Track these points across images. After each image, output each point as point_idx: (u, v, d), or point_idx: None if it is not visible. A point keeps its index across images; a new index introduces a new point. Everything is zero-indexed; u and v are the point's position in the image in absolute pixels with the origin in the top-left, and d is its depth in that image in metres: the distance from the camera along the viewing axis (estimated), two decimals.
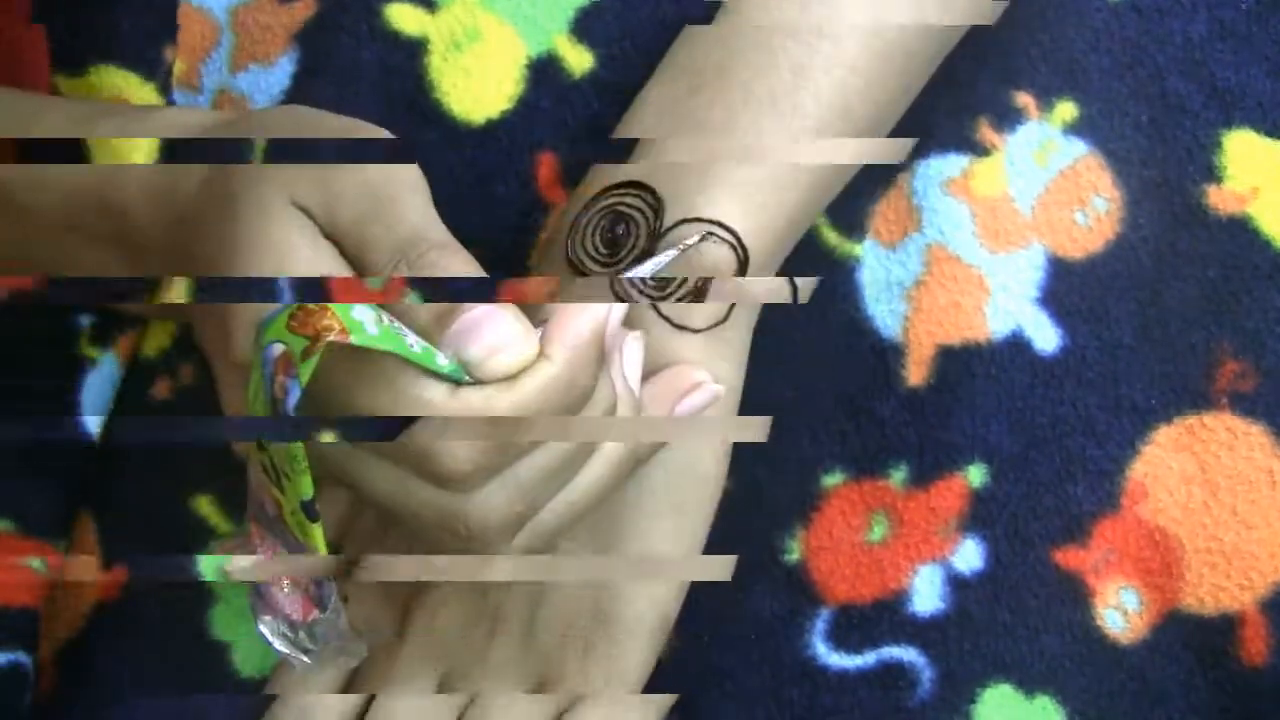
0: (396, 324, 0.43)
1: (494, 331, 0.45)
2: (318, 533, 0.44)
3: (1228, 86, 0.59)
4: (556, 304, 0.48)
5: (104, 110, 0.54)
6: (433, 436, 0.44)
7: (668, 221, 0.53)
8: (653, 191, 0.53)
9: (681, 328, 0.52)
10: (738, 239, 0.52)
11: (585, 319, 0.46)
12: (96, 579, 0.60)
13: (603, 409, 0.47)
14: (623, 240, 0.53)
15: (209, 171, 0.50)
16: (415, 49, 0.60)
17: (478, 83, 0.59)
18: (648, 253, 0.53)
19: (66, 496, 0.59)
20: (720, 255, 0.52)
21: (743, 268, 0.52)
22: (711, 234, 0.52)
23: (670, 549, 0.54)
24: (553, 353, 0.45)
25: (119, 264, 0.53)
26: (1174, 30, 0.60)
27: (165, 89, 0.60)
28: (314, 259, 0.46)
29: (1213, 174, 0.58)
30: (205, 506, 0.59)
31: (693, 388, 0.52)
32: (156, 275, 0.53)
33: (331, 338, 0.41)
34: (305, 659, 0.47)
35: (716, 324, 0.53)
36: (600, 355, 0.47)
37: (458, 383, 0.44)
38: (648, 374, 0.52)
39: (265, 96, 0.60)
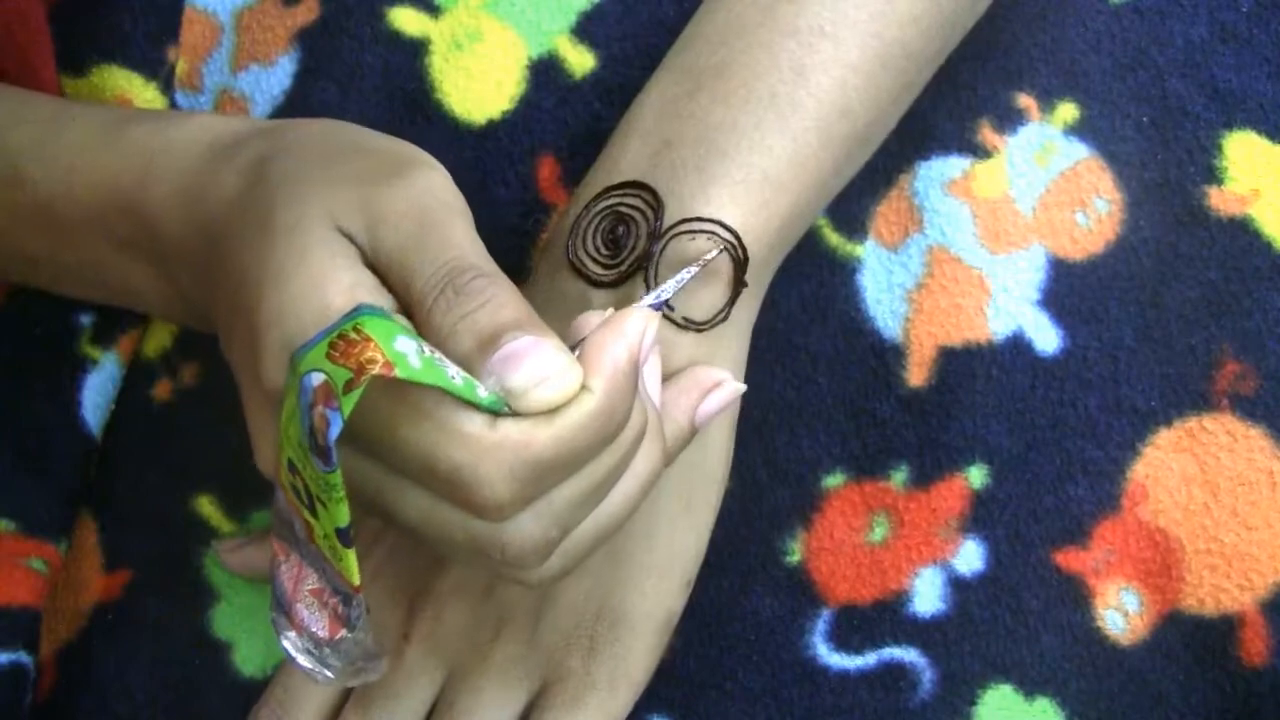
0: (438, 355, 0.43)
1: (538, 362, 0.44)
2: (351, 559, 0.44)
3: (1228, 88, 0.59)
4: (588, 326, 0.48)
5: (135, 116, 0.54)
6: (470, 468, 0.43)
7: (667, 221, 0.53)
8: (653, 192, 0.53)
9: (685, 326, 0.52)
10: (737, 239, 0.52)
11: (622, 347, 0.45)
12: (97, 579, 0.60)
13: (635, 433, 0.47)
14: (623, 241, 0.53)
15: (244, 183, 0.49)
16: (417, 49, 0.60)
17: (479, 83, 0.60)
18: (648, 253, 0.53)
19: (67, 496, 0.59)
20: (719, 255, 0.52)
21: (741, 268, 0.52)
22: (718, 238, 0.52)
23: (678, 547, 0.54)
24: (593, 384, 0.45)
25: (147, 274, 0.53)
26: (1175, 32, 0.60)
27: (168, 89, 0.60)
28: (353, 288, 0.45)
29: (1213, 176, 0.58)
30: (205, 506, 0.59)
31: (714, 386, 0.52)
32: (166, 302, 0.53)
33: (376, 370, 0.41)
34: (329, 674, 0.46)
35: (718, 322, 0.53)
36: (636, 383, 0.46)
37: (497, 414, 0.44)
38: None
39: (266, 97, 0.60)
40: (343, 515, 0.43)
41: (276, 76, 0.60)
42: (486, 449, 0.43)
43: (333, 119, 0.52)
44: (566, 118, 0.59)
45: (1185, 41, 0.60)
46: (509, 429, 0.44)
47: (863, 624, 0.57)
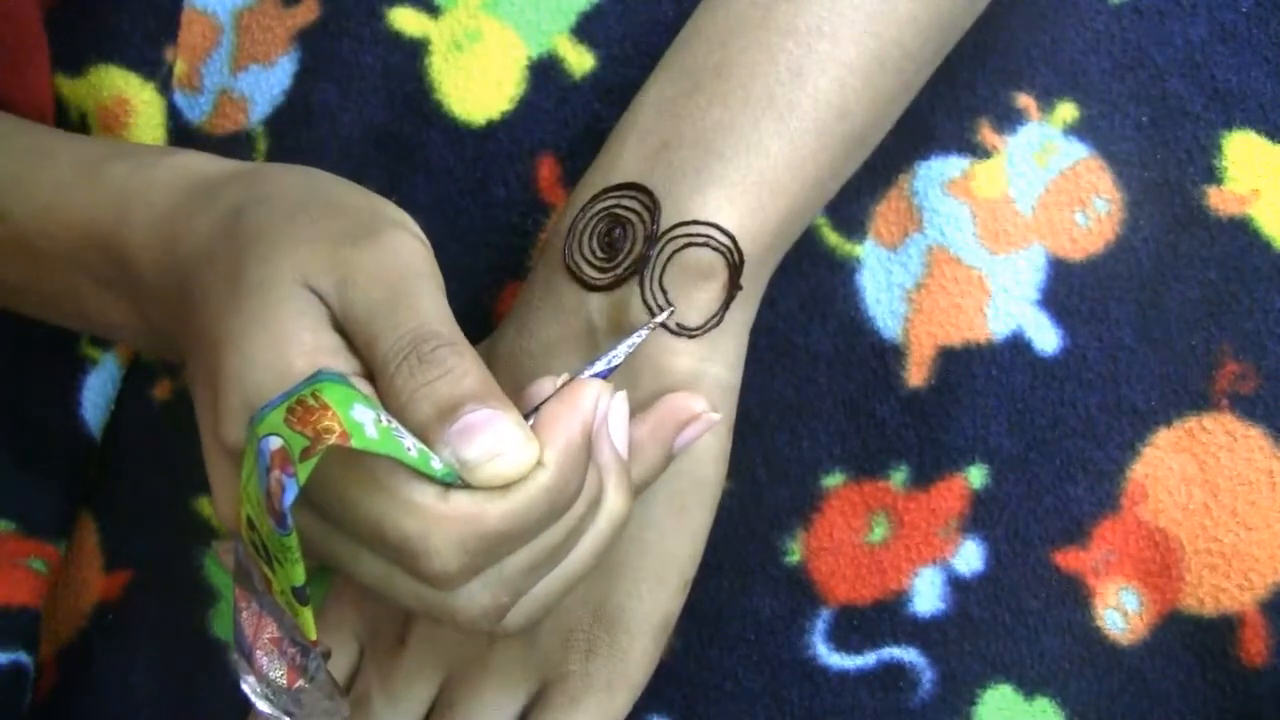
0: (394, 424, 0.43)
1: (495, 436, 0.44)
2: (308, 615, 0.44)
3: (1228, 88, 0.59)
4: (541, 393, 0.48)
5: (113, 152, 0.53)
6: (420, 539, 0.43)
7: (664, 224, 0.53)
8: (649, 194, 0.53)
9: (678, 331, 0.52)
10: (733, 242, 0.52)
11: (575, 420, 0.46)
12: (97, 579, 0.60)
13: (587, 504, 0.47)
14: (619, 244, 0.53)
15: (217, 233, 0.49)
16: (416, 50, 0.60)
17: (479, 83, 0.60)
18: (644, 257, 0.53)
19: (67, 496, 0.59)
20: (715, 258, 0.52)
21: (737, 270, 0.52)
22: (707, 237, 0.52)
23: (674, 551, 0.54)
24: (546, 459, 0.45)
25: (125, 310, 0.53)
26: (1174, 32, 0.60)
27: (165, 89, 0.60)
28: (315, 351, 0.45)
29: (1213, 175, 0.58)
30: (206, 507, 0.59)
31: (690, 419, 0.52)
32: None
33: (332, 440, 0.41)
34: (287, 719, 0.47)
35: (711, 326, 0.53)
36: (588, 456, 0.46)
37: (450, 485, 0.44)
38: (646, 382, 0.52)
39: (266, 97, 0.60)
40: (298, 575, 0.43)
41: (276, 77, 0.60)
42: (437, 520, 0.43)
43: (310, 167, 0.51)
44: (566, 118, 0.59)
45: (1185, 41, 0.60)
46: (461, 501, 0.44)
47: (862, 624, 0.57)
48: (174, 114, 0.61)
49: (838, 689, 0.57)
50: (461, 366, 0.45)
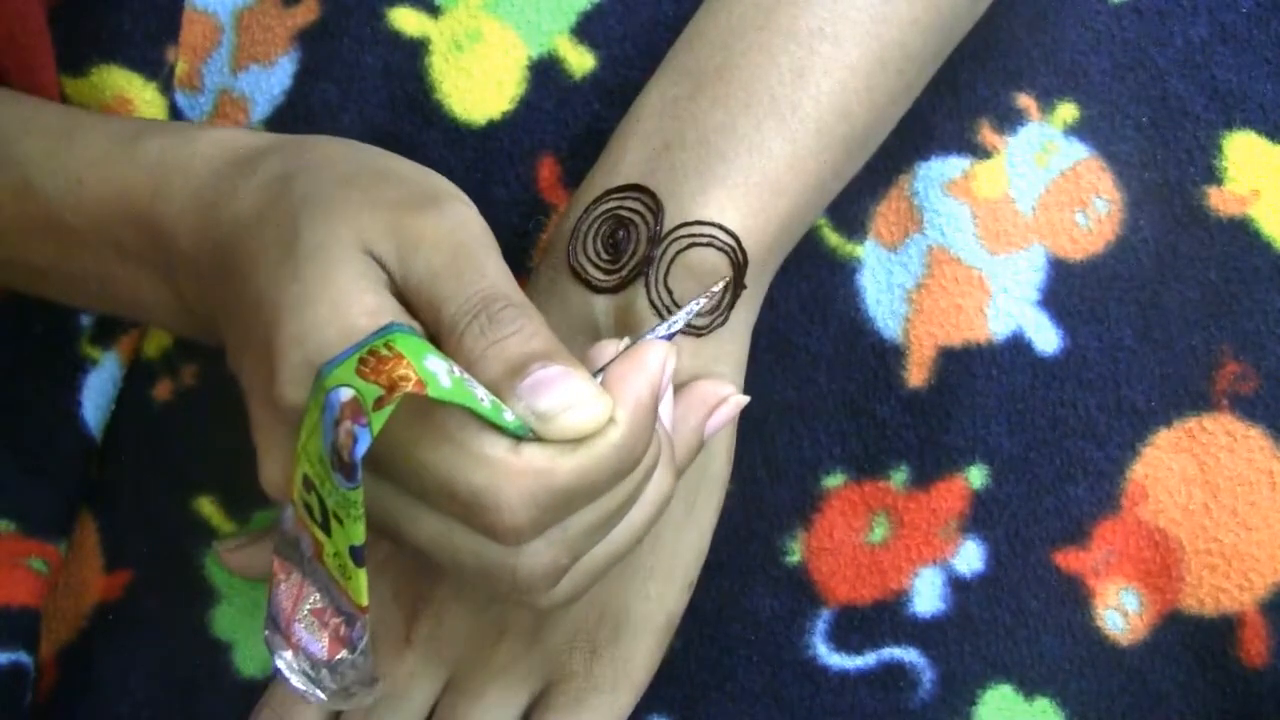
0: (467, 377, 0.43)
1: (568, 390, 0.44)
2: (362, 578, 0.43)
3: (1228, 89, 0.59)
4: (605, 355, 0.48)
5: (148, 128, 0.53)
6: (491, 492, 0.43)
7: (667, 225, 0.53)
8: (652, 195, 0.53)
9: (684, 330, 0.52)
10: (737, 242, 0.52)
11: (644, 380, 0.45)
12: (97, 579, 0.60)
13: (650, 464, 0.47)
14: (623, 245, 0.53)
15: (263, 200, 0.48)
16: (416, 50, 0.60)
17: (479, 84, 0.60)
18: (648, 258, 0.53)
19: (67, 496, 0.59)
20: (719, 258, 0.52)
21: (741, 271, 0.52)
22: (710, 237, 0.52)
23: (681, 550, 0.54)
24: (617, 417, 0.45)
25: (155, 287, 0.52)
26: (1175, 32, 0.60)
27: (167, 90, 0.60)
28: (378, 312, 0.45)
29: (1213, 176, 0.58)
30: (206, 506, 0.59)
31: (719, 403, 0.52)
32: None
33: (409, 388, 0.40)
34: (321, 695, 0.46)
35: (716, 326, 0.53)
36: (655, 416, 0.46)
37: (521, 439, 0.44)
38: None
39: (266, 97, 0.60)
40: (358, 533, 0.42)
41: (276, 77, 0.60)
42: (509, 473, 0.43)
43: (352, 139, 0.51)
44: (566, 118, 0.59)
45: (1185, 41, 0.60)
46: (533, 455, 0.43)
47: (863, 624, 0.57)
48: (175, 114, 0.61)
49: (838, 689, 0.57)
50: (531, 326, 0.45)
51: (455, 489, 0.43)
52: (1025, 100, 0.59)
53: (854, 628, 0.57)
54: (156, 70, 0.59)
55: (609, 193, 0.54)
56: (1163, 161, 0.59)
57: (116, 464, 0.60)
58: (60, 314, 0.59)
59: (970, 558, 0.57)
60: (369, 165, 0.49)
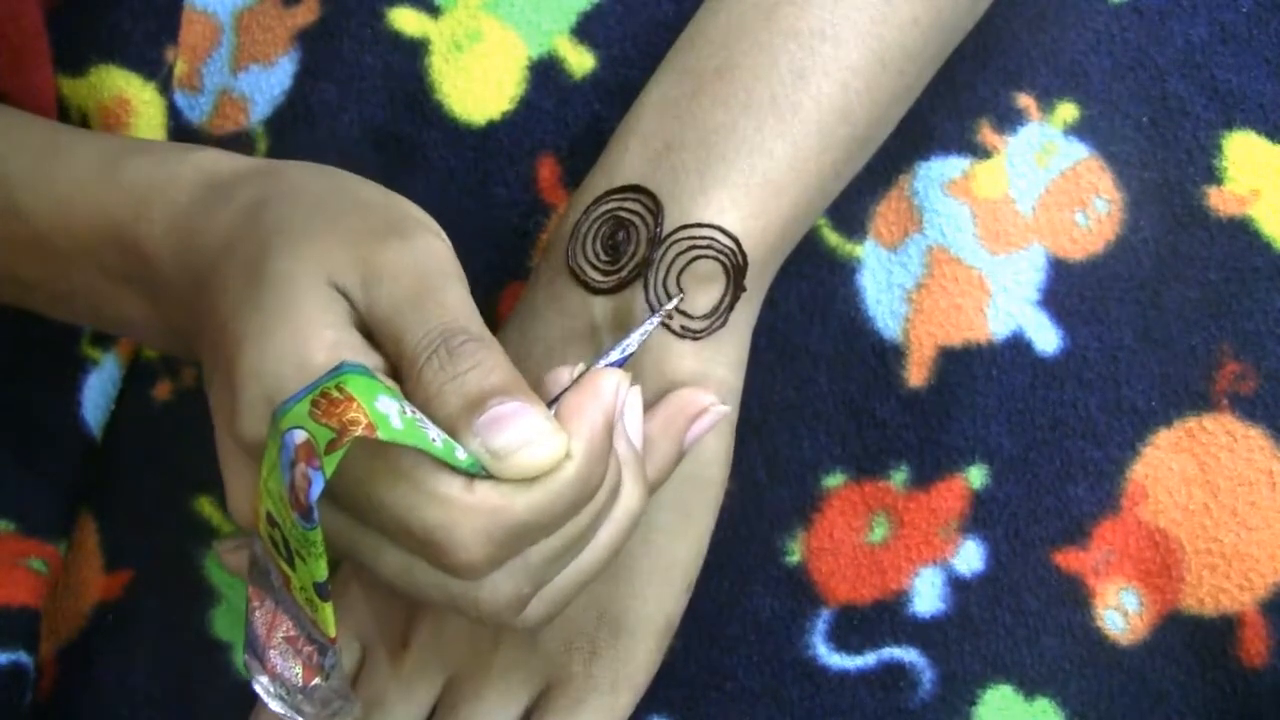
0: (419, 416, 0.43)
1: (524, 427, 0.44)
2: (328, 612, 0.44)
3: (1228, 89, 0.59)
4: (559, 383, 0.48)
5: (132, 148, 0.53)
6: (445, 529, 0.43)
7: (667, 227, 0.53)
8: (652, 196, 0.53)
9: (681, 333, 0.52)
10: (736, 244, 0.52)
11: (598, 411, 0.45)
12: (97, 579, 0.60)
13: (608, 492, 0.47)
14: (623, 247, 0.53)
15: (237, 227, 0.48)
16: (416, 50, 0.60)
17: (479, 84, 0.60)
18: (648, 260, 0.53)
19: (67, 497, 0.59)
20: (715, 266, 0.52)
21: (741, 272, 0.52)
22: (710, 240, 0.52)
23: (679, 553, 0.54)
24: (573, 450, 0.45)
25: (140, 307, 0.52)
26: (1175, 32, 0.60)
27: (166, 90, 0.60)
28: (336, 346, 0.45)
29: (1213, 176, 0.58)
30: (206, 507, 0.59)
31: (699, 413, 0.52)
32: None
33: (358, 432, 0.41)
34: (299, 718, 0.47)
35: (715, 328, 0.53)
36: (610, 446, 0.46)
37: (474, 476, 0.44)
38: (650, 384, 0.52)
39: (266, 97, 0.60)
40: (321, 570, 0.43)
41: (276, 77, 0.60)
42: (463, 511, 0.43)
43: (331, 166, 0.51)
44: (566, 118, 0.59)
45: (1185, 41, 0.60)
46: (486, 492, 0.44)
47: (863, 624, 0.57)
48: (174, 114, 0.61)
49: (838, 689, 0.57)
50: (490, 360, 0.45)
51: (410, 526, 0.44)
52: (1025, 100, 0.59)
53: (854, 628, 0.57)
54: (155, 70, 0.59)
55: (609, 193, 0.54)
56: (1163, 161, 0.59)
57: (116, 464, 0.60)
58: None
59: (970, 558, 0.57)
60: (341, 193, 0.49)
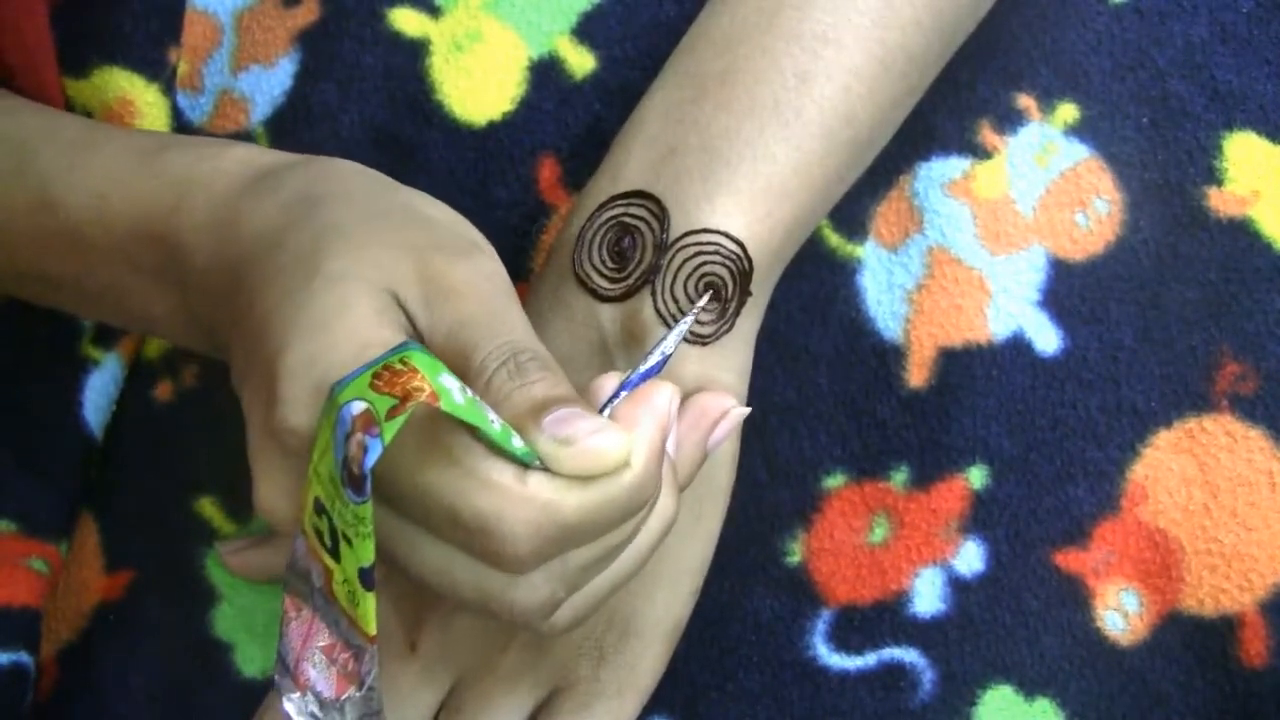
0: (479, 398, 0.42)
1: (595, 422, 0.44)
2: (370, 604, 0.43)
3: (1229, 89, 0.59)
4: (607, 388, 0.47)
5: (170, 143, 0.53)
6: (495, 518, 0.43)
7: (673, 232, 0.53)
8: (658, 201, 0.53)
9: (690, 340, 0.52)
10: (742, 248, 0.52)
11: (653, 422, 0.45)
12: (98, 579, 0.60)
13: (651, 505, 0.46)
14: (629, 253, 0.53)
15: (284, 220, 0.48)
16: (417, 50, 0.60)
17: (479, 84, 0.60)
18: (655, 266, 0.53)
19: (68, 497, 0.59)
20: (720, 269, 0.52)
21: (746, 277, 0.52)
22: (716, 245, 0.52)
23: (688, 558, 0.54)
24: (634, 459, 0.44)
25: (169, 302, 0.52)
26: (1175, 33, 0.60)
27: (169, 91, 0.60)
28: (391, 344, 0.44)
29: (1213, 176, 0.58)
30: (207, 507, 0.59)
31: (721, 416, 0.52)
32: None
33: (421, 399, 0.40)
34: None
35: (722, 333, 0.53)
36: (663, 458, 0.46)
37: (528, 466, 0.44)
38: None
39: (266, 97, 0.60)
40: (368, 552, 0.42)
41: (277, 77, 0.60)
42: (515, 501, 0.43)
43: (366, 166, 0.51)
44: (567, 119, 0.59)
45: (1185, 42, 0.60)
46: (540, 485, 0.43)
47: (863, 624, 0.57)
48: (176, 115, 0.61)
49: (838, 689, 0.57)
50: (554, 378, 0.45)
51: (459, 513, 0.43)
52: (1025, 100, 0.59)
53: (854, 628, 0.57)
54: (158, 71, 0.59)
55: (613, 199, 0.54)
56: (1163, 162, 0.59)
57: (117, 464, 0.60)
58: (62, 315, 0.59)
59: (970, 558, 0.57)
60: (399, 204, 0.49)
